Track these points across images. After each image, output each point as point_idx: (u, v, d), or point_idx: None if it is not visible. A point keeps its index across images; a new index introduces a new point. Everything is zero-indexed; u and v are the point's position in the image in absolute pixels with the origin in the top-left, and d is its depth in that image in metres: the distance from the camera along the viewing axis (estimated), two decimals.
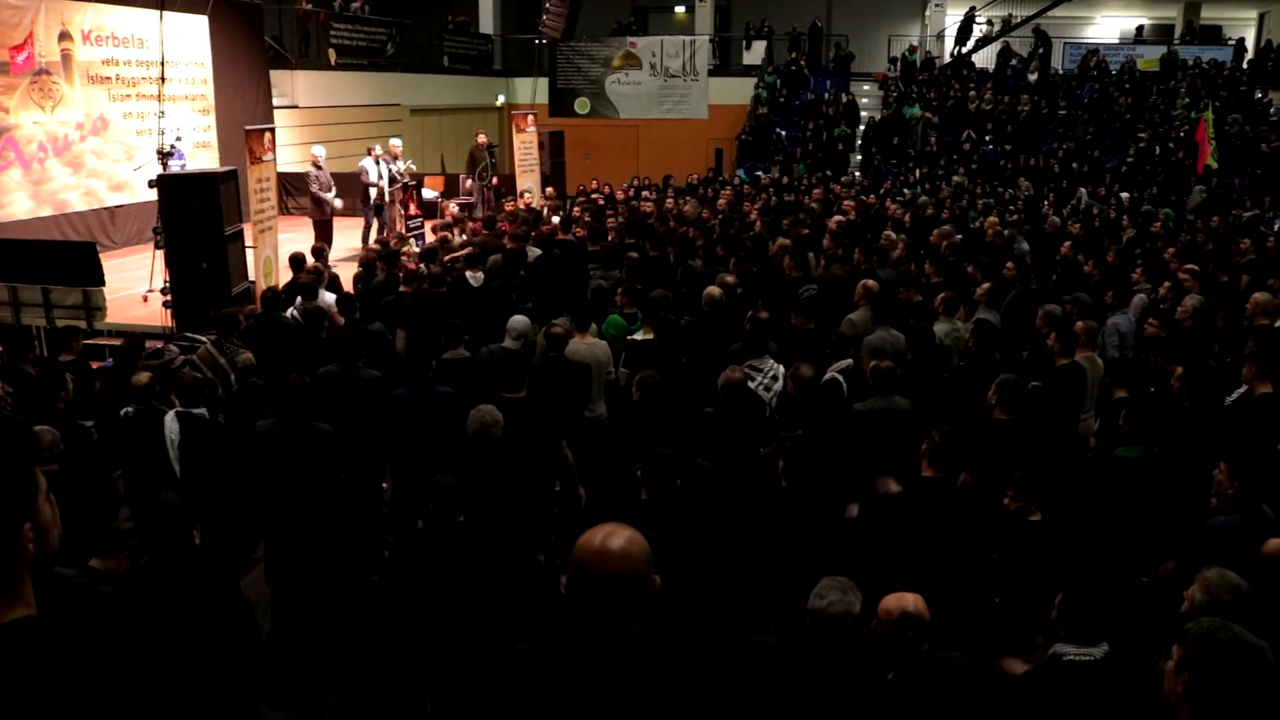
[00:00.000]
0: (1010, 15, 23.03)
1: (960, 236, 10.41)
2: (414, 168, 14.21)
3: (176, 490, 3.90)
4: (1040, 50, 22.45)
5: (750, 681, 3.04)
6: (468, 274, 8.25)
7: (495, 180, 15.81)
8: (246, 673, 3.24)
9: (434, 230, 11.50)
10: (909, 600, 3.13)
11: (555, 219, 11.89)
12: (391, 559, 3.97)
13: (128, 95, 14.21)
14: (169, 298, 9.29)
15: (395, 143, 13.73)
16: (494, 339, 6.54)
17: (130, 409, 5.41)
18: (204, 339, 7.29)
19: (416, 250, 10.34)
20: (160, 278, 9.91)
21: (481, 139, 15.69)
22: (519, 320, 6.43)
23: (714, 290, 6.97)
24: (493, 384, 5.45)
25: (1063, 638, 2.95)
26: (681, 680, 1.93)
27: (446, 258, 9.05)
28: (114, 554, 3.44)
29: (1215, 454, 4.09)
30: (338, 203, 12.43)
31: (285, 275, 8.90)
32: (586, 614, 1.92)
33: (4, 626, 1.32)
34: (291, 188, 16.30)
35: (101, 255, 8.98)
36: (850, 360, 5.91)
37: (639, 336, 6.56)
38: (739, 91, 22.50)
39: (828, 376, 5.69)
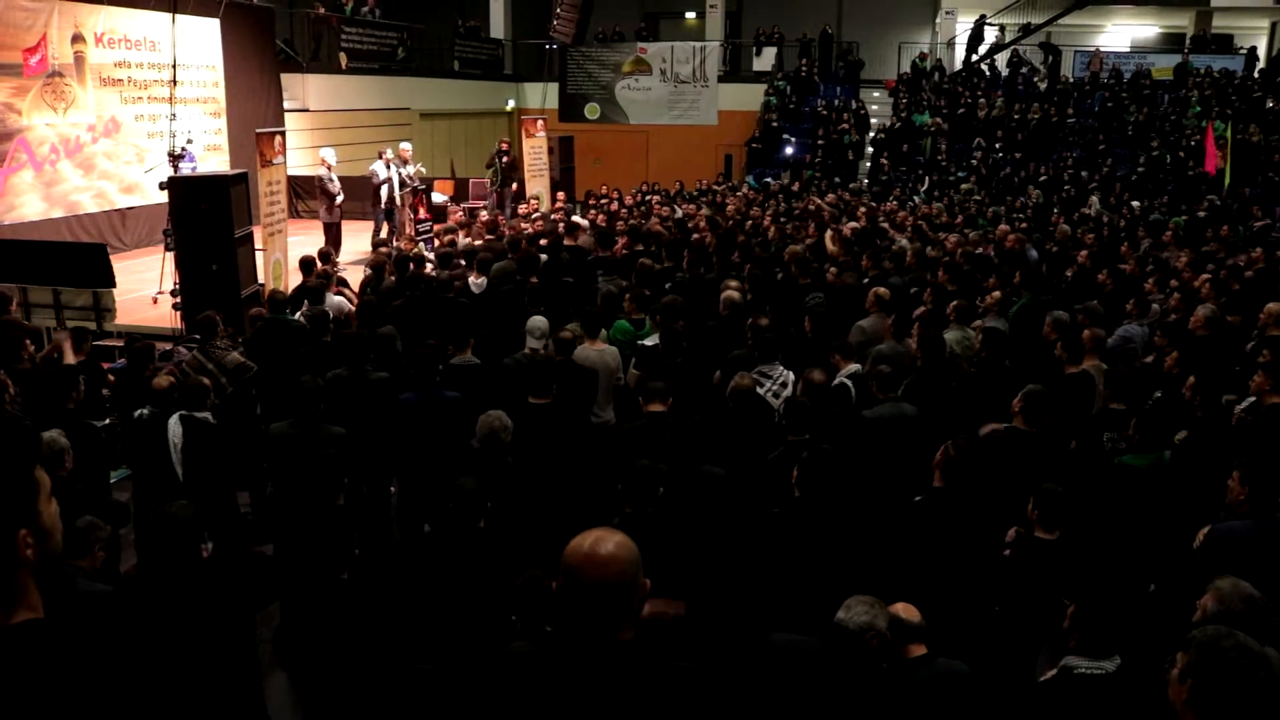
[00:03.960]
0: (1028, 23, 22.94)
1: (972, 237, 10.39)
2: (424, 171, 14.24)
3: (182, 497, 3.90)
4: (1049, 60, 22.38)
5: (762, 678, 3.02)
6: (470, 279, 8.21)
7: (515, 186, 15.82)
8: (248, 681, 3.24)
9: (439, 235, 11.51)
10: (898, 606, 3.15)
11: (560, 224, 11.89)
12: (398, 561, 3.96)
13: (139, 98, 14.28)
14: (178, 300, 9.31)
15: (405, 147, 13.76)
16: (497, 344, 6.51)
17: (145, 411, 5.39)
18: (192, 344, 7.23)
19: (430, 256, 10.34)
20: (170, 280, 9.93)
21: (504, 145, 15.83)
22: (540, 321, 6.36)
23: (733, 294, 6.93)
24: (519, 389, 5.42)
25: (1074, 650, 2.92)
26: (671, 684, 1.91)
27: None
28: (86, 551, 3.46)
29: (1226, 463, 4.05)
30: (340, 197, 12.50)
31: (295, 278, 8.91)
32: (576, 619, 1.90)
33: (7, 628, 1.31)
34: (301, 191, 16.34)
35: (112, 257, 9.01)
36: (858, 365, 5.89)
37: (649, 342, 6.54)
38: (749, 98, 22.52)
39: (836, 382, 5.68)
